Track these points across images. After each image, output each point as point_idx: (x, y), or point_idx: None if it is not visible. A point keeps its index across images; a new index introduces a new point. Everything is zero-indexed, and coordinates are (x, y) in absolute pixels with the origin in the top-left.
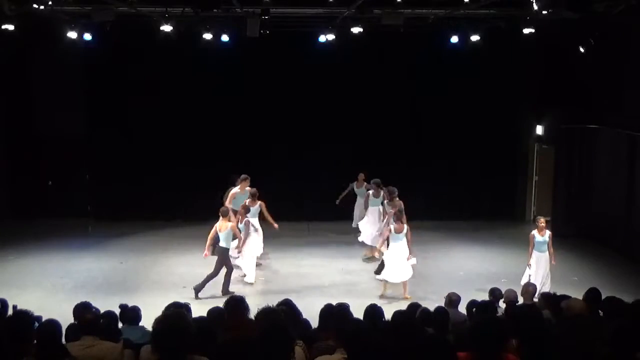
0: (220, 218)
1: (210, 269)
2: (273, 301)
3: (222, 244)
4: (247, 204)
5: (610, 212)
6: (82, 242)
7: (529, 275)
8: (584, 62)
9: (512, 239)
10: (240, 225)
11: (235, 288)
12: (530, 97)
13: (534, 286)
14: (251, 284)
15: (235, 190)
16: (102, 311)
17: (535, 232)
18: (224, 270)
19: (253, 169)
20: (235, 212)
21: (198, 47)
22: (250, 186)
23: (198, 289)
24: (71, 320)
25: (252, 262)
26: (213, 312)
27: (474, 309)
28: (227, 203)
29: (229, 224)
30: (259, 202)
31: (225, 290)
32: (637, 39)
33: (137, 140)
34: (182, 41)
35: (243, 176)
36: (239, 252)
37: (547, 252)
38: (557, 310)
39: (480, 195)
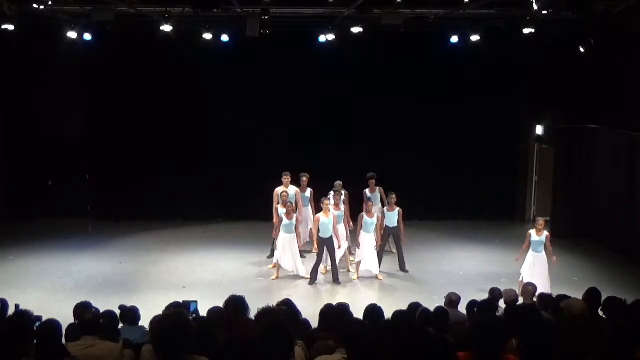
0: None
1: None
2: (273, 301)
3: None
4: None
5: (610, 212)
6: (82, 242)
7: (521, 275)
8: (584, 62)
9: (512, 239)
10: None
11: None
12: (530, 97)
13: (534, 286)
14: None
15: (279, 189)
16: (102, 311)
17: (532, 231)
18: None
19: (253, 168)
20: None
21: (198, 47)
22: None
23: (335, 279)
24: (71, 320)
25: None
26: (213, 312)
27: (474, 309)
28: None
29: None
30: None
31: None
32: (637, 39)
33: (137, 140)
34: (182, 41)
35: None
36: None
37: (543, 253)
38: (557, 310)
39: (480, 195)
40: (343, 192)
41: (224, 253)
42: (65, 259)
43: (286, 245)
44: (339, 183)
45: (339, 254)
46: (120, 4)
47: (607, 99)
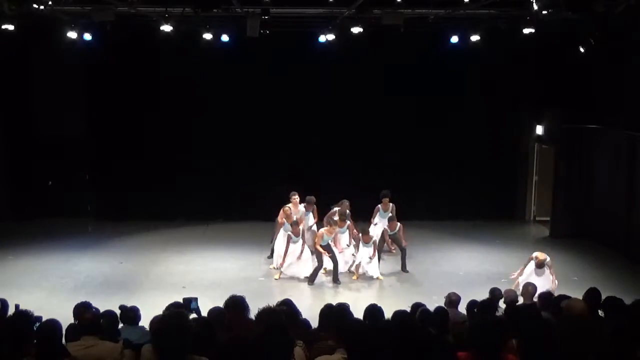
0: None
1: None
2: (273, 301)
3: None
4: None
5: (610, 212)
6: (82, 242)
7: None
8: (584, 62)
9: (512, 239)
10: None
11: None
12: (530, 97)
13: (534, 286)
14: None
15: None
16: (102, 311)
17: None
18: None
19: (253, 168)
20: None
21: (198, 47)
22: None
23: (335, 280)
24: (71, 320)
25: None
26: (213, 312)
27: (474, 309)
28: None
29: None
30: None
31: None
32: (637, 39)
33: (137, 140)
34: (182, 41)
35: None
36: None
37: None
38: (557, 310)
39: (481, 195)
40: (347, 212)
41: (224, 253)
42: (65, 259)
43: (293, 255)
44: (346, 205)
45: (344, 264)
46: (120, 4)
47: (607, 99)
